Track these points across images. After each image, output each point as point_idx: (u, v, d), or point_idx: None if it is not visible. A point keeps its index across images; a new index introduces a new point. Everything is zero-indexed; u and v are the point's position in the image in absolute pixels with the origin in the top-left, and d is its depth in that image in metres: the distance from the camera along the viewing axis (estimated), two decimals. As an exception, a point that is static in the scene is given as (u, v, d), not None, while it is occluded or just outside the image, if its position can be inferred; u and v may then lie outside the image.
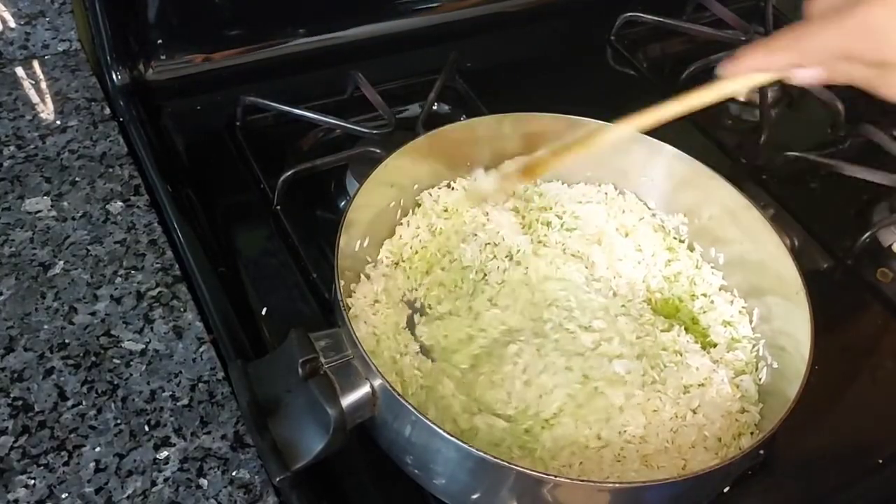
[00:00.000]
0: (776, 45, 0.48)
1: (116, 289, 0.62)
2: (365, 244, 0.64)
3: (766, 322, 0.63)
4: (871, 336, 0.71)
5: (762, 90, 0.89)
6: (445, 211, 0.68)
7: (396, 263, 0.65)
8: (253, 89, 0.80)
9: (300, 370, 0.50)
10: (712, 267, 0.68)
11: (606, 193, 0.71)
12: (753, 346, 0.62)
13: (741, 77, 0.51)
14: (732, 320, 0.64)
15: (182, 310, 0.61)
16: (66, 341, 0.59)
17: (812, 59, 0.47)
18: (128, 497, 0.51)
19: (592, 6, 1.01)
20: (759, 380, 0.60)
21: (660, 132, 0.67)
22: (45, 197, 0.68)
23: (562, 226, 0.70)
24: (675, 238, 0.69)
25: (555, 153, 0.62)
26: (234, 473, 0.53)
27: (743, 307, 0.65)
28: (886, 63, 0.43)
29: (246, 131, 0.79)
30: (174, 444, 0.54)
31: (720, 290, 0.66)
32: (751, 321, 0.64)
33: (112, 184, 0.70)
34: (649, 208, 0.71)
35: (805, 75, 0.47)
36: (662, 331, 0.63)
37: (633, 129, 0.58)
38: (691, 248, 0.69)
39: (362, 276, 0.63)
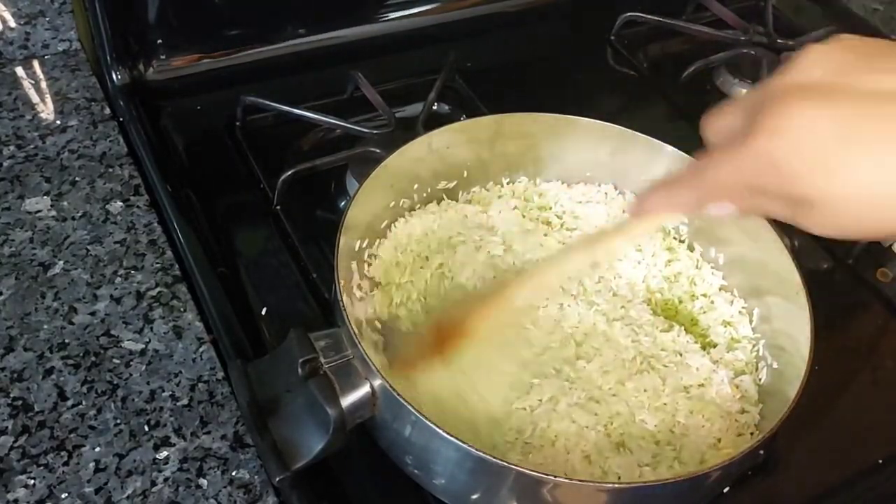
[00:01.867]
0: (678, 184, 0.45)
1: (116, 289, 0.62)
2: (365, 244, 0.64)
3: (766, 322, 0.62)
4: (871, 336, 0.71)
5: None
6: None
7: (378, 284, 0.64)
8: (253, 89, 0.80)
9: (300, 370, 0.50)
10: (712, 267, 0.68)
11: (606, 193, 0.71)
12: (753, 347, 0.62)
13: (649, 217, 0.48)
14: (732, 320, 0.64)
15: (182, 310, 0.61)
16: (66, 341, 0.59)
17: (716, 195, 0.43)
18: (127, 497, 0.51)
19: (592, 6, 1.01)
20: (759, 380, 0.60)
21: (660, 132, 0.67)
22: (45, 197, 0.68)
23: (562, 225, 0.70)
24: (674, 238, 0.69)
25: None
26: (233, 473, 0.53)
27: (743, 307, 0.65)
28: (793, 197, 0.38)
29: (246, 131, 0.79)
30: (174, 444, 0.54)
31: (720, 290, 0.66)
32: (751, 321, 0.64)
33: (112, 184, 0.70)
34: None
35: (716, 211, 0.43)
36: (662, 331, 0.62)
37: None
38: (691, 248, 0.69)
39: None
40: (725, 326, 0.64)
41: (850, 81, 0.37)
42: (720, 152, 0.42)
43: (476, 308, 0.55)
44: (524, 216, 0.70)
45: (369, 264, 0.64)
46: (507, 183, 0.72)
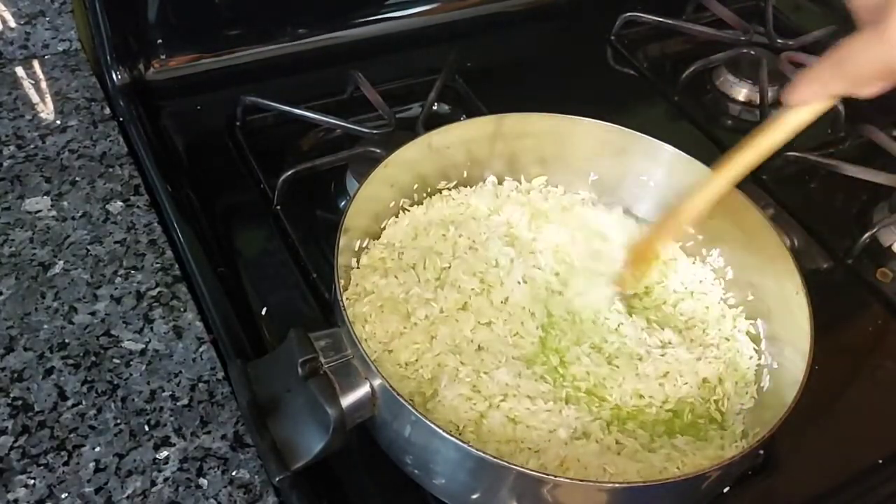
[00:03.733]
0: (827, 72, 0.45)
1: (116, 289, 0.62)
2: (365, 244, 0.64)
3: (765, 322, 0.63)
4: (871, 336, 0.71)
5: (761, 88, 0.89)
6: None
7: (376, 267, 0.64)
8: (253, 89, 0.80)
9: (300, 370, 0.50)
10: (712, 268, 0.68)
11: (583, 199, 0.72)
12: (752, 346, 0.62)
13: (806, 105, 0.48)
14: (731, 320, 0.64)
15: (182, 310, 0.61)
16: (66, 341, 0.59)
17: (866, 80, 0.43)
18: (127, 497, 0.51)
19: (592, 6, 1.01)
20: (759, 380, 0.60)
21: (660, 132, 0.67)
22: (45, 197, 0.68)
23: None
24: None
25: (659, 231, 0.62)
26: (233, 473, 0.53)
27: (742, 308, 0.65)
28: None
29: (246, 131, 0.79)
30: (174, 444, 0.54)
31: (719, 289, 0.66)
32: (750, 321, 0.64)
33: (112, 184, 0.70)
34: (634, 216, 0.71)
35: (869, 92, 0.44)
36: (660, 330, 0.62)
37: (723, 185, 0.56)
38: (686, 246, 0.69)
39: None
40: (724, 326, 0.64)
41: None
42: (867, 33, 0.41)
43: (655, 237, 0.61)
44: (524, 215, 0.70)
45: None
46: (508, 183, 0.72)
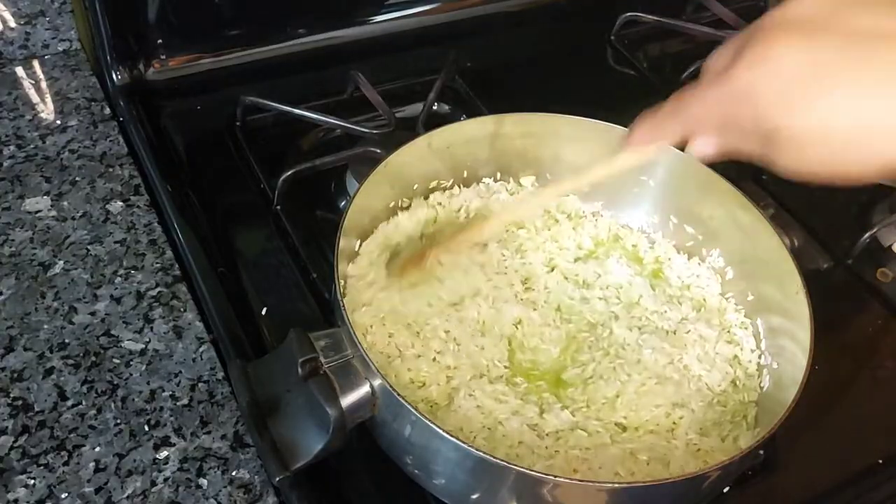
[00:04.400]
0: (663, 116, 0.46)
1: (116, 289, 0.62)
2: (365, 244, 0.64)
3: (765, 322, 0.62)
4: (871, 336, 0.71)
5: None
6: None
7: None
8: (253, 89, 0.80)
9: (300, 370, 0.50)
10: (711, 268, 0.68)
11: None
12: (752, 352, 0.62)
13: (636, 149, 0.49)
14: (731, 320, 0.64)
15: (182, 310, 0.61)
16: (66, 341, 0.59)
17: (697, 127, 0.44)
18: (127, 497, 0.51)
19: (592, 6, 1.01)
20: (759, 379, 0.60)
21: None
22: (45, 197, 0.68)
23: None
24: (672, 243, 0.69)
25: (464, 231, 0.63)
26: (233, 473, 0.53)
27: (742, 307, 0.65)
28: (764, 130, 0.39)
29: (246, 131, 0.79)
30: (174, 444, 0.54)
31: (719, 290, 0.66)
32: (750, 321, 0.64)
33: (112, 184, 0.70)
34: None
35: (698, 147, 0.45)
36: (661, 330, 0.62)
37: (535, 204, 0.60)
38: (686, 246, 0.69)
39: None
40: (724, 325, 0.64)
41: (838, 19, 0.38)
42: (707, 82, 0.43)
43: (461, 232, 0.61)
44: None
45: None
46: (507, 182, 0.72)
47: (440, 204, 0.68)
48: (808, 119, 0.38)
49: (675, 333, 0.62)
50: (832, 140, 0.38)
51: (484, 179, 0.71)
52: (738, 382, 0.60)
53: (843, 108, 0.37)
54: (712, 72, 0.44)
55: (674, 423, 0.57)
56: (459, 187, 0.70)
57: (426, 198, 0.69)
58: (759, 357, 0.62)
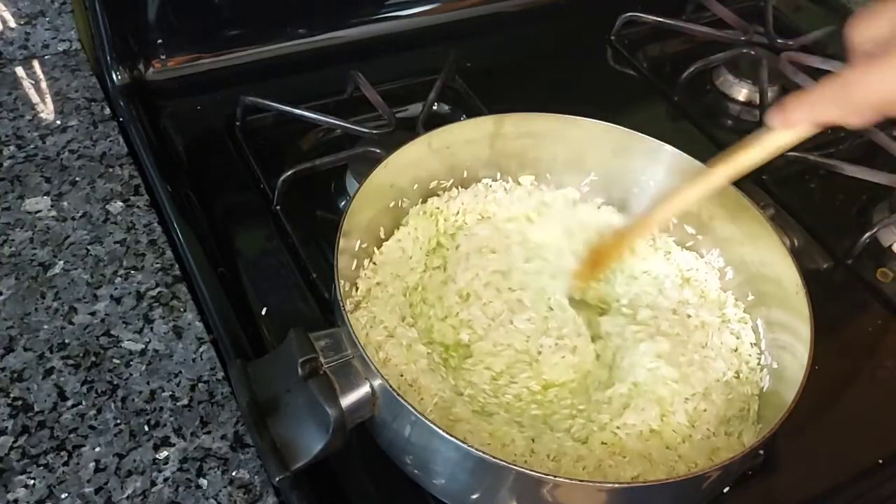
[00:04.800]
0: (823, 97, 0.44)
1: (116, 289, 0.62)
2: (364, 245, 0.64)
3: (765, 322, 0.63)
4: (871, 336, 0.71)
5: (761, 88, 0.89)
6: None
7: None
8: (253, 89, 0.80)
9: (300, 370, 0.50)
10: (710, 264, 0.68)
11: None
12: (753, 346, 0.62)
13: (791, 130, 0.48)
14: (731, 321, 0.64)
15: (182, 310, 0.61)
16: (66, 341, 0.59)
17: (863, 110, 0.43)
18: (127, 497, 0.51)
19: (592, 6, 1.01)
20: (759, 380, 0.60)
21: (660, 132, 0.67)
22: (45, 197, 0.68)
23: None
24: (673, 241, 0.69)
25: (620, 238, 0.62)
26: (233, 473, 0.53)
27: (742, 307, 0.65)
28: None
29: (246, 131, 0.79)
30: (174, 444, 0.54)
31: (719, 285, 0.66)
32: (751, 321, 0.64)
33: (112, 184, 0.70)
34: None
35: (860, 122, 0.43)
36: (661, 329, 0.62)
37: (695, 196, 0.57)
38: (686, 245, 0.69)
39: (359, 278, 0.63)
40: (724, 325, 0.64)
41: None
42: (868, 63, 0.41)
43: (621, 238, 0.61)
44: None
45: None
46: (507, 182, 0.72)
47: (438, 209, 0.68)
48: None
49: (675, 313, 0.62)
50: None
51: (483, 180, 0.71)
52: (740, 374, 0.60)
53: None
54: (870, 46, 0.42)
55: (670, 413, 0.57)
56: (458, 189, 0.70)
57: (424, 201, 0.69)
58: (760, 355, 0.62)
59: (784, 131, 0.48)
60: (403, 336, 0.58)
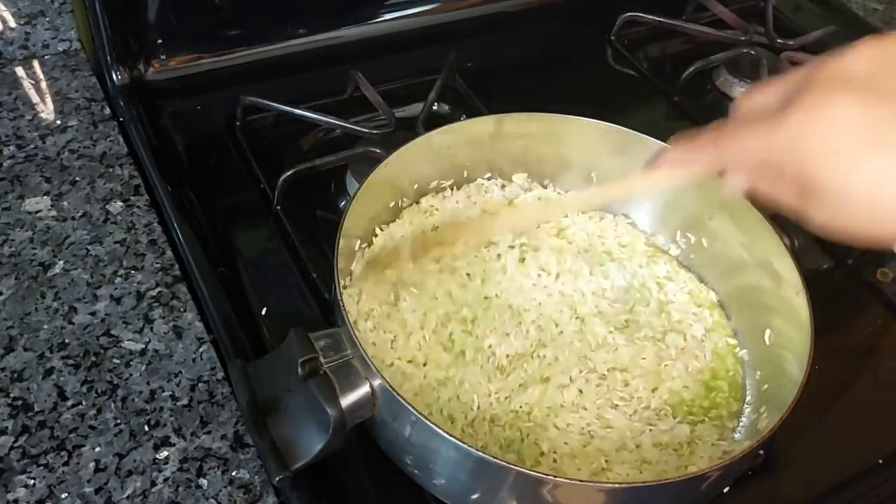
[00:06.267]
0: (699, 142, 0.45)
1: (116, 289, 0.62)
2: (364, 245, 0.64)
3: (766, 322, 0.62)
4: (871, 336, 0.71)
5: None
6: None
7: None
8: (253, 89, 0.80)
9: (300, 370, 0.50)
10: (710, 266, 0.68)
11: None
12: (753, 347, 0.62)
13: (665, 171, 0.48)
14: (731, 320, 0.64)
15: (182, 310, 0.61)
16: (66, 341, 0.59)
17: (733, 162, 0.43)
18: (127, 497, 0.51)
19: (592, 6, 1.01)
20: (759, 380, 0.60)
21: (660, 132, 0.67)
22: (45, 197, 0.68)
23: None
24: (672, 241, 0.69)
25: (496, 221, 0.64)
26: (233, 473, 0.53)
27: (742, 307, 0.65)
28: (808, 182, 0.39)
29: (246, 131, 0.79)
30: (174, 444, 0.54)
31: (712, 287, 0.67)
32: (750, 321, 0.64)
33: (112, 184, 0.70)
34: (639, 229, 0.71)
35: (731, 182, 0.44)
36: (660, 329, 0.63)
37: (556, 211, 0.61)
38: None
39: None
40: (724, 325, 0.64)
41: (892, 83, 0.38)
42: (752, 122, 0.42)
43: (461, 231, 0.61)
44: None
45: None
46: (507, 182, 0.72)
47: (433, 207, 0.68)
48: (857, 179, 0.37)
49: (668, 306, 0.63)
50: (878, 203, 0.37)
51: (478, 180, 0.71)
52: (728, 391, 0.60)
53: (892, 173, 0.37)
54: (753, 112, 0.42)
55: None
56: (452, 189, 0.70)
57: (418, 202, 0.69)
58: (758, 359, 0.62)
59: (656, 173, 0.49)
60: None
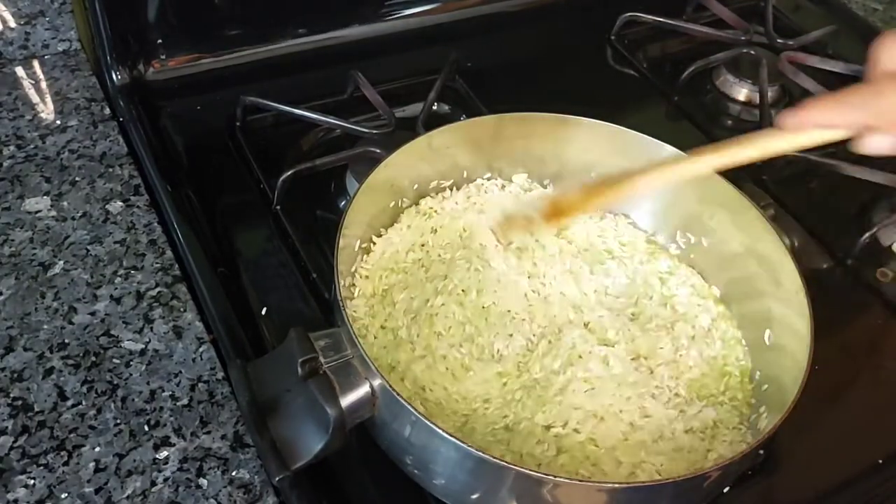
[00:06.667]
0: (848, 101, 0.43)
1: (116, 289, 0.62)
2: (364, 245, 0.64)
3: (766, 322, 0.62)
4: (871, 336, 0.71)
5: (761, 88, 0.89)
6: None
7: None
8: (253, 89, 0.80)
9: (300, 370, 0.50)
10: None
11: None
12: (753, 346, 0.62)
13: (804, 132, 0.46)
14: (731, 320, 0.64)
15: (182, 310, 0.61)
16: (66, 341, 0.59)
17: (881, 122, 0.42)
18: (127, 497, 0.51)
19: (592, 6, 1.01)
20: (759, 380, 0.60)
21: (660, 132, 0.67)
22: (45, 197, 0.68)
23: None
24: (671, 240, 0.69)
25: (589, 193, 0.57)
26: (233, 473, 0.53)
27: (743, 307, 0.65)
28: None
29: (246, 131, 0.79)
30: (174, 444, 0.54)
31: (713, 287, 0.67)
32: (750, 321, 0.64)
33: (112, 184, 0.70)
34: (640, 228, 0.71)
35: (875, 143, 0.42)
36: (658, 330, 0.63)
37: (679, 175, 0.54)
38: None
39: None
40: (729, 316, 0.64)
41: None
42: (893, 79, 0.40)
43: (588, 195, 0.56)
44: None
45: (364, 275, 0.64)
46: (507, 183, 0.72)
47: (432, 209, 0.68)
48: None
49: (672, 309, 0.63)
50: None
51: (478, 180, 0.71)
52: (739, 376, 0.60)
53: None
54: (887, 68, 0.41)
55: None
56: (452, 189, 0.70)
57: (418, 203, 0.69)
58: (758, 359, 0.62)
59: (797, 133, 0.47)
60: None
